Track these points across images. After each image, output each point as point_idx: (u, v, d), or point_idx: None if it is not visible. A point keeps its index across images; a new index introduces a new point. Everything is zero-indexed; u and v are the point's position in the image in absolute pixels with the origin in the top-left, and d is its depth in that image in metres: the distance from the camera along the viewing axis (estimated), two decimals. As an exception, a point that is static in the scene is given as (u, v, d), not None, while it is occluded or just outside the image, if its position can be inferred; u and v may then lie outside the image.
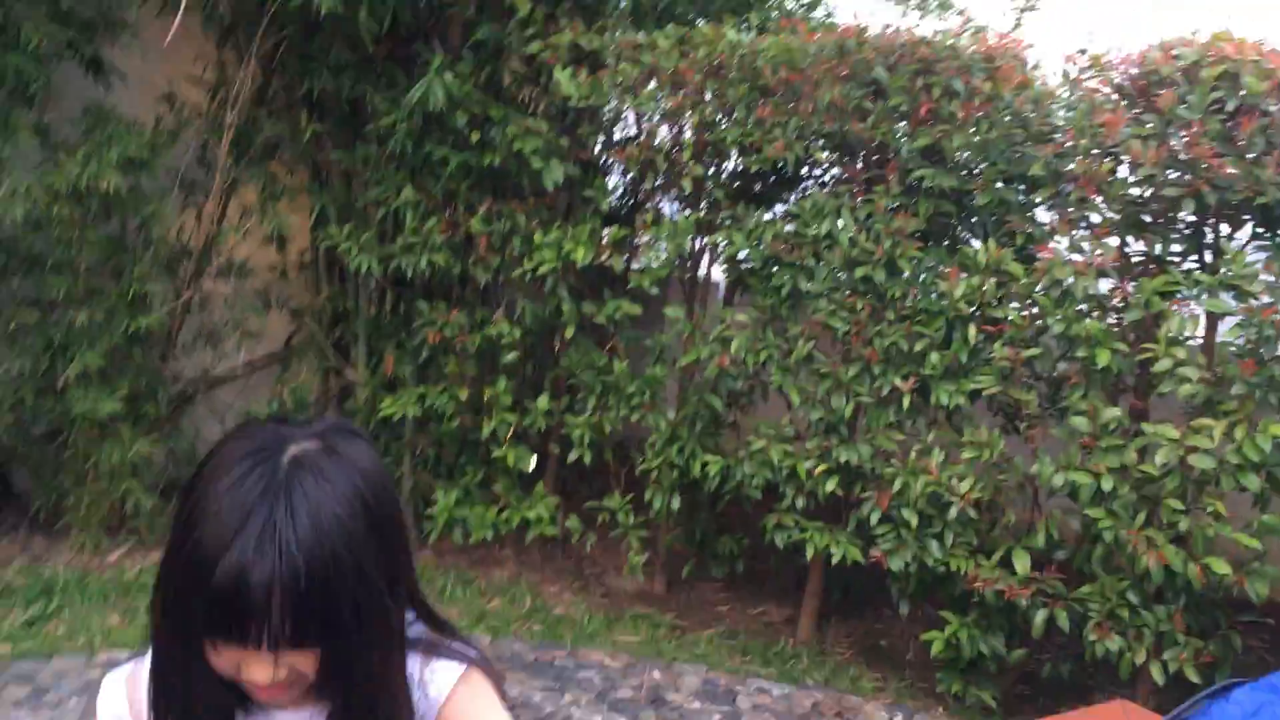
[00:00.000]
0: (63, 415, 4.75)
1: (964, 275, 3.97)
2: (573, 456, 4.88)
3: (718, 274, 5.19)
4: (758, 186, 5.02)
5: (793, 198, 4.98)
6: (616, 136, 5.27)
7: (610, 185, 5.10)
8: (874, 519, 4.09)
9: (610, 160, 5.01)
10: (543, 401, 4.93)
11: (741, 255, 4.46)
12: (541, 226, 4.78)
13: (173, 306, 5.06)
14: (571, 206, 5.03)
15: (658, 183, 4.83)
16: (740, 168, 4.73)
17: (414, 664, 1.35)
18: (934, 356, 3.99)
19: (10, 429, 4.80)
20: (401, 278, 5.14)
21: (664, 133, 4.75)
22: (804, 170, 4.91)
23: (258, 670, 1.15)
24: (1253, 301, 3.46)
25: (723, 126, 4.42)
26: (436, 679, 1.34)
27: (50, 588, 4.57)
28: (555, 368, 5.09)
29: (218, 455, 1.19)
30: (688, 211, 4.75)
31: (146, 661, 1.29)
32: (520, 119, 4.66)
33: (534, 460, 4.95)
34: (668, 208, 4.97)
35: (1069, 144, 3.86)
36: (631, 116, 5.02)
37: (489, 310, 5.08)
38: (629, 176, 5.23)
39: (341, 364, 5.56)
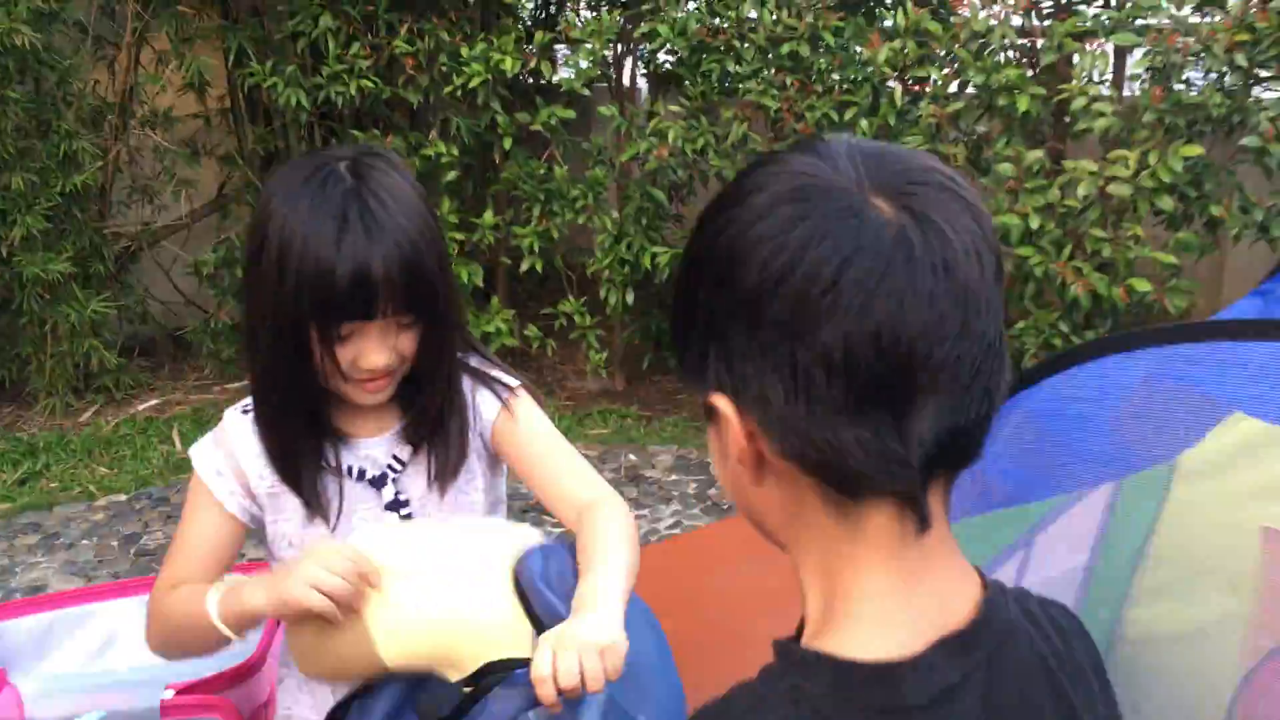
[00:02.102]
0: (13, 281, 4.77)
1: (885, 40, 4.11)
2: (525, 267, 5.00)
3: (641, 77, 5.27)
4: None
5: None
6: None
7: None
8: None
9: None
10: (488, 216, 5.03)
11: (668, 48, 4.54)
12: (466, 40, 4.78)
13: (104, 162, 5.02)
14: (493, 18, 5.02)
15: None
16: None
17: (466, 387, 1.52)
18: (864, 123, 4.15)
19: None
20: (331, 110, 5.12)
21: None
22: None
23: (376, 354, 1.31)
24: (1155, 33, 3.65)
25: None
26: (487, 400, 1.52)
27: (33, 448, 4.67)
28: (497, 182, 5.16)
29: (280, 191, 1.32)
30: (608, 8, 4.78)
31: (224, 427, 1.46)
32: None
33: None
34: (586, 11, 4.98)
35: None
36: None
37: (424, 132, 5.11)
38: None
39: (281, 205, 5.57)
